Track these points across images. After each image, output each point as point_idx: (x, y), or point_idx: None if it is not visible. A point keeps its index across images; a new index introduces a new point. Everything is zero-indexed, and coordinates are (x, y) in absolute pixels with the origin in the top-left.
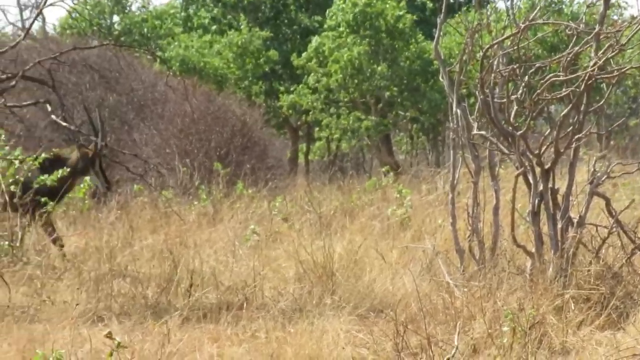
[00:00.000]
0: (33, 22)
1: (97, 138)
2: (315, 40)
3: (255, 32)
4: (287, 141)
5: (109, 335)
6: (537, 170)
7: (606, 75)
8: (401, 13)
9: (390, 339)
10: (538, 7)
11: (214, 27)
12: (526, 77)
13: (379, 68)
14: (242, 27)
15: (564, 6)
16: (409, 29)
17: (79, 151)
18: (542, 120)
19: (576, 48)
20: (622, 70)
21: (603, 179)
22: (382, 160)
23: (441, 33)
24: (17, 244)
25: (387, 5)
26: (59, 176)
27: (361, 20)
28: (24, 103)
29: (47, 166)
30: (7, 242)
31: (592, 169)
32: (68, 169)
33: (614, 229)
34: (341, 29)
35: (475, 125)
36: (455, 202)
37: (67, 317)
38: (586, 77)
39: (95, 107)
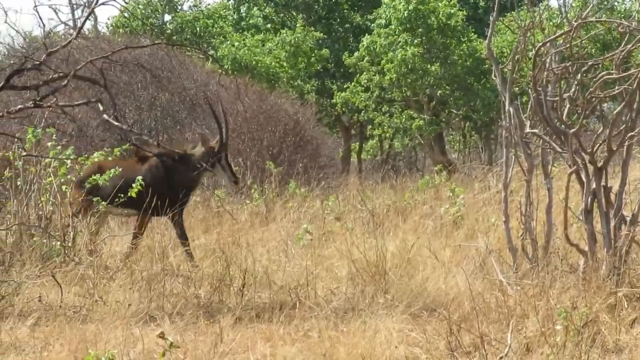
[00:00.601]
0: (85, 21)
1: (222, 132)
2: (366, 39)
3: (309, 32)
4: (340, 140)
5: (162, 335)
6: (590, 168)
7: None
8: (453, 10)
9: (443, 338)
10: (590, 5)
11: (267, 26)
12: (579, 75)
13: (433, 68)
14: (297, 26)
15: (616, 3)
16: (461, 27)
17: (204, 146)
18: (594, 119)
19: (629, 46)
20: None
21: None
22: (435, 158)
23: (493, 32)
24: (69, 244)
25: (440, 4)
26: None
27: (414, 19)
28: (76, 102)
29: (175, 162)
30: (59, 243)
31: None
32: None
33: None
34: (392, 26)
35: (527, 123)
36: (508, 200)
37: (120, 317)
38: (639, 75)
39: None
